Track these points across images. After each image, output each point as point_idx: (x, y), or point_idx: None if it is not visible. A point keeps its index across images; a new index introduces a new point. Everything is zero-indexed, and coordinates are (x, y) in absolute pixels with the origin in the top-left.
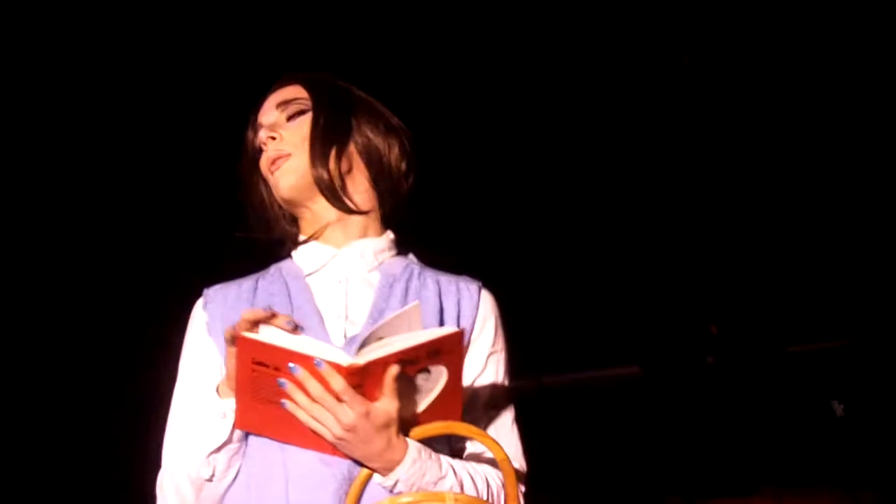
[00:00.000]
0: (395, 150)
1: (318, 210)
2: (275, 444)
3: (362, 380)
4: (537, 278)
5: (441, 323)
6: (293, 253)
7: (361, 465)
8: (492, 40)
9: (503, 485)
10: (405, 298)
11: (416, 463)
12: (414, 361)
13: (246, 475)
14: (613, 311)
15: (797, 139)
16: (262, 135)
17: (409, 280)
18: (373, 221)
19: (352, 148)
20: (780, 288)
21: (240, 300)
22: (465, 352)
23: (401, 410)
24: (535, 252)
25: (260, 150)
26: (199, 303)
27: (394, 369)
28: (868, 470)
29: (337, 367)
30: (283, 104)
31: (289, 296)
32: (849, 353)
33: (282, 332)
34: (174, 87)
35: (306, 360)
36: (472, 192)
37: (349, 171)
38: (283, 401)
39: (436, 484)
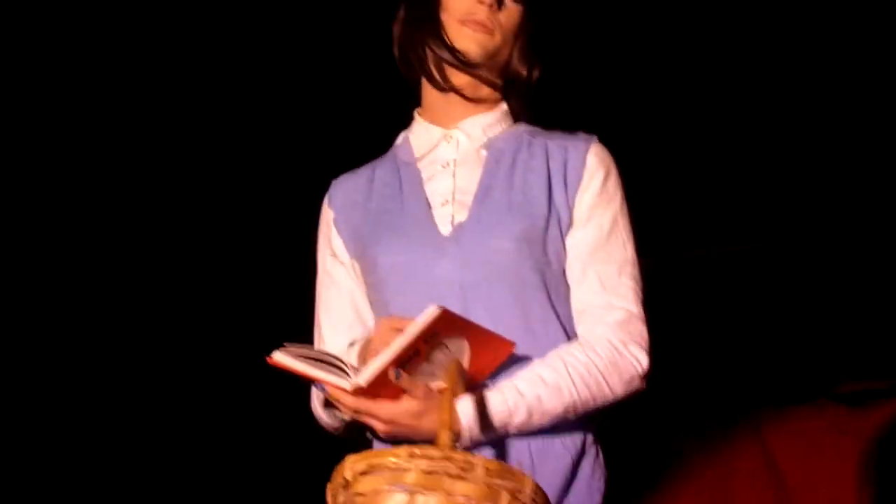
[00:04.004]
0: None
1: (458, 85)
2: None
3: (379, 390)
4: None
5: (549, 187)
6: (409, 134)
7: None
8: None
9: (602, 360)
10: (512, 171)
11: (475, 422)
12: (415, 353)
13: None
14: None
15: None
16: None
17: (517, 151)
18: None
19: None
20: None
21: (359, 193)
22: (571, 221)
23: (432, 388)
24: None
25: None
26: (326, 198)
27: (392, 374)
28: None
29: (343, 391)
30: None
31: (400, 184)
32: None
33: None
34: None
35: (317, 381)
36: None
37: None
38: None
39: (510, 424)
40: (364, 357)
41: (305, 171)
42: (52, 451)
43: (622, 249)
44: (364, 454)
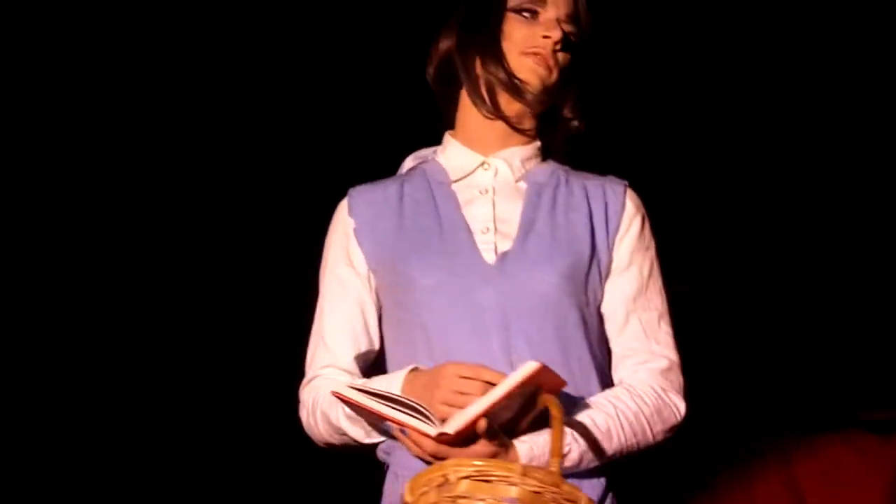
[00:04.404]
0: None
1: (508, 113)
2: None
3: (455, 435)
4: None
5: (592, 228)
6: (439, 156)
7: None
8: None
9: (648, 408)
10: (553, 208)
11: (533, 460)
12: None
13: None
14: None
15: None
16: (556, 34)
17: (556, 188)
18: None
19: None
20: None
21: (387, 206)
22: (610, 264)
23: (500, 421)
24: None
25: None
26: (344, 205)
27: (483, 424)
28: None
29: (425, 435)
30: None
31: (435, 204)
32: None
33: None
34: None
35: (397, 423)
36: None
37: None
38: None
39: (564, 463)
40: (416, 393)
41: (303, 177)
42: (53, 452)
43: (659, 296)
44: (470, 461)
